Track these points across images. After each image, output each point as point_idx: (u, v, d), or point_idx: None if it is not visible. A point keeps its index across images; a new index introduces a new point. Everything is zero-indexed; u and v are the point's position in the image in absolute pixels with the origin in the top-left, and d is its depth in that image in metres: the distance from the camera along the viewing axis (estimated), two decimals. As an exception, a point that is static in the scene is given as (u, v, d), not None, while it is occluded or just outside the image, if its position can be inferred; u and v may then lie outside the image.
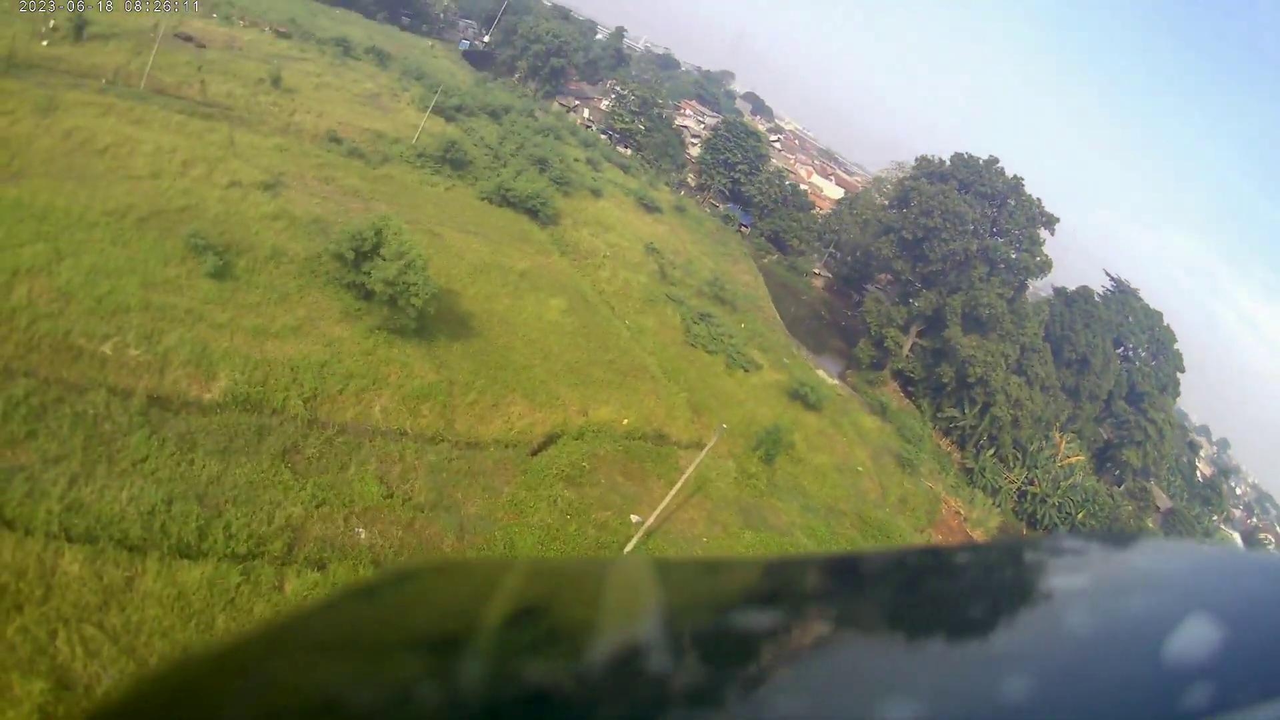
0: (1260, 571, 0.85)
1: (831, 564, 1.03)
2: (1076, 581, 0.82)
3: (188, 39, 63.30)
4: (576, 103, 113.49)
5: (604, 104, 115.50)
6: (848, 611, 0.86)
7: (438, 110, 69.58)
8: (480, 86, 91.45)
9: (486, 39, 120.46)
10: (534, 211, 60.68)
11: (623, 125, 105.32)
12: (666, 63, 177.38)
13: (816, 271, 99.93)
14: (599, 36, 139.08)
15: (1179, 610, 0.70)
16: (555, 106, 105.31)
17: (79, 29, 56.60)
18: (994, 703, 0.62)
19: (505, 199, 59.87)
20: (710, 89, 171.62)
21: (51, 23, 56.52)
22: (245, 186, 44.47)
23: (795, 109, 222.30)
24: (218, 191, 42.82)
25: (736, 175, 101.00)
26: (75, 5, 56.59)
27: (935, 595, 0.89)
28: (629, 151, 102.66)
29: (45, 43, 54.48)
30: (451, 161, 61.07)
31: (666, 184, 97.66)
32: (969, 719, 0.61)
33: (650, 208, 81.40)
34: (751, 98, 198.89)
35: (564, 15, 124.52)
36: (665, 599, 0.83)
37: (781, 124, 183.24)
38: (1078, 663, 0.67)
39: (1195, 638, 0.66)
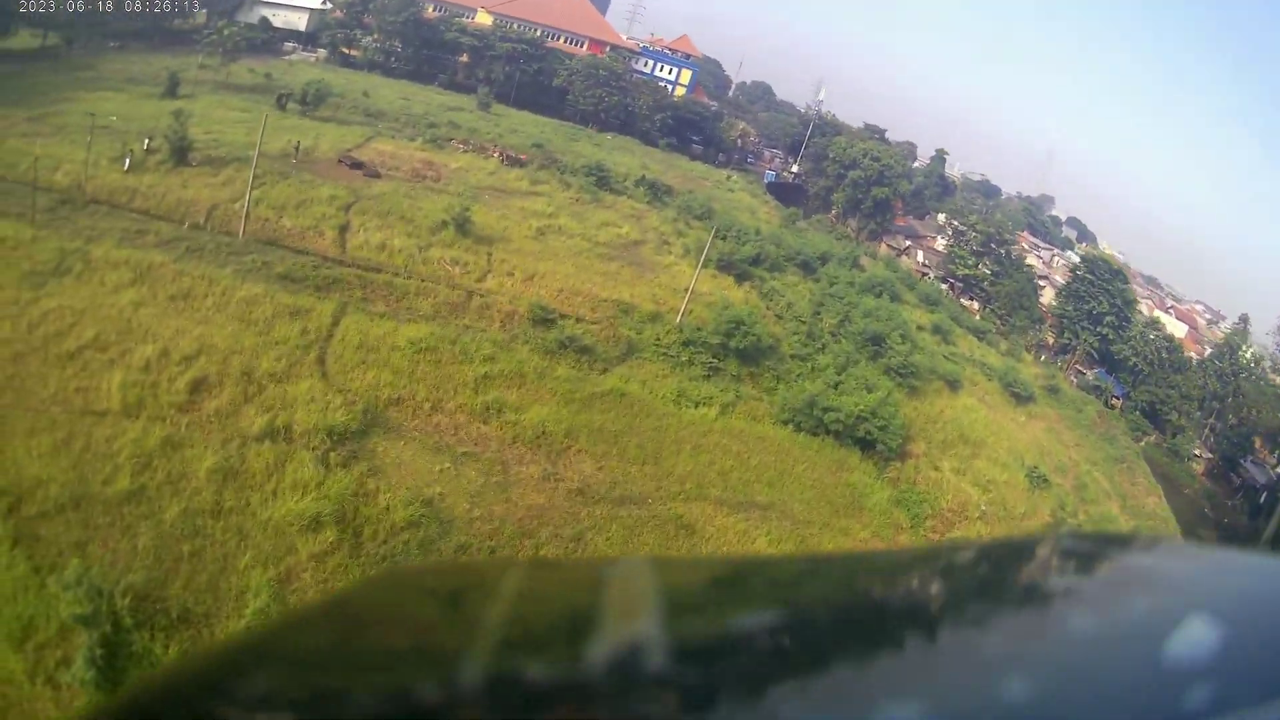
0: (1260, 571, 0.86)
1: (832, 564, 1.03)
2: (1076, 581, 0.84)
3: (356, 166, 43.32)
4: (908, 243, 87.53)
5: (938, 243, 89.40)
6: (848, 611, 0.88)
7: (723, 265, 45.44)
8: (789, 227, 67.49)
9: (794, 169, 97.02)
10: (868, 442, 34.75)
11: (966, 271, 78.40)
12: (987, 190, 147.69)
13: (1196, 453, 70.63)
14: (915, 164, 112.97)
15: (1179, 610, 0.70)
16: (882, 250, 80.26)
17: (180, 152, 37.67)
18: (994, 703, 0.61)
19: (821, 423, 34.16)
20: (1037, 217, 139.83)
21: (147, 143, 38.30)
22: (296, 438, 21.59)
23: (1112, 233, 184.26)
24: (217, 458, 20.01)
25: (1104, 331, 72.55)
26: (179, 123, 37.81)
27: (935, 595, 0.90)
28: (975, 305, 76.40)
29: (126, 169, 36.16)
30: (739, 353, 36.12)
31: (1027, 349, 71.00)
32: (969, 719, 0.61)
33: (1020, 396, 54.10)
34: (1075, 224, 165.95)
35: (879, 135, 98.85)
36: (665, 599, 0.83)
37: (1106, 252, 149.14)
38: (1078, 663, 0.66)
39: (1195, 638, 0.66)
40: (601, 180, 55.64)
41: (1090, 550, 0.90)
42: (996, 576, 0.91)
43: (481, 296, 34.07)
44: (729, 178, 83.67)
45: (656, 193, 59.51)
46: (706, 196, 63.45)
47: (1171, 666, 0.64)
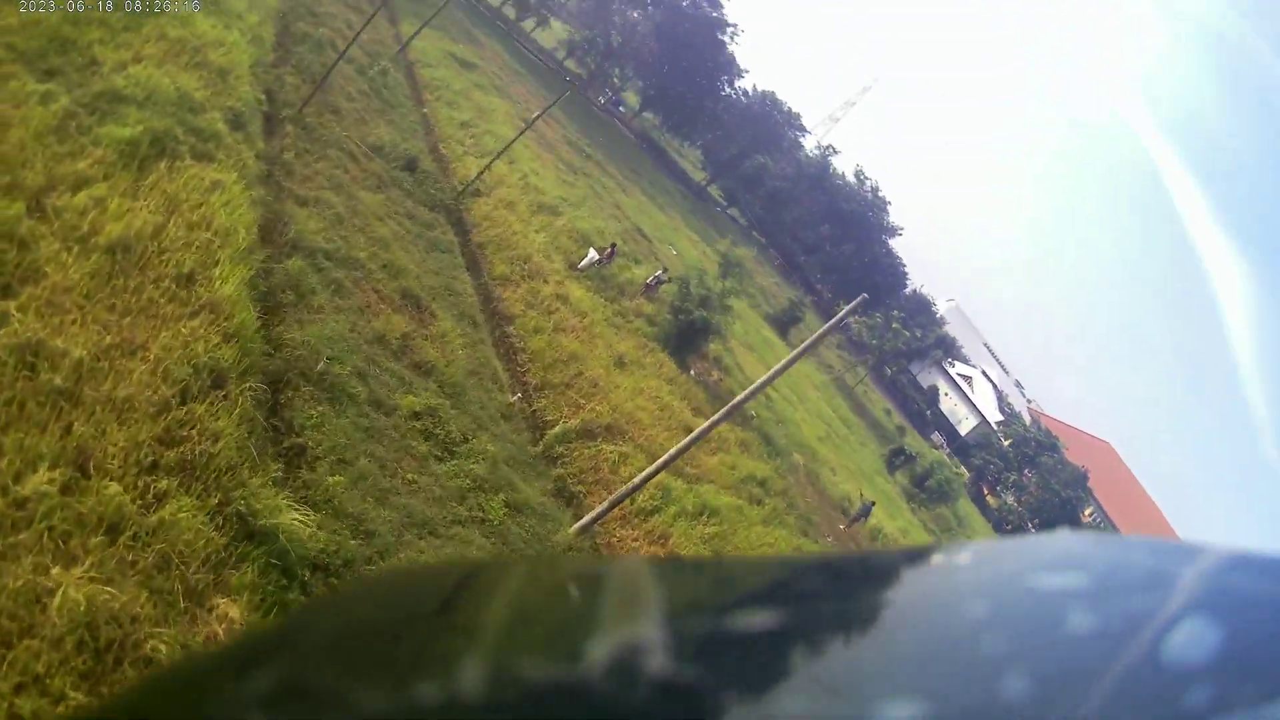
0: (1260, 571, 0.81)
1: (831, 564, 1.03)
2: (1076, 581, 0.79)
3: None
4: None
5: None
6: (848, 611, 0.84)
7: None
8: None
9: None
10: None
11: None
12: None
13: None
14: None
15: (1179, 610, 0.68)
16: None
17: (690, 327, 21.01)
18: (994, 703, 0.59)
19: None
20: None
21: (662, 275, 24.54)
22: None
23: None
24: None
25: None
26: (729, 279, 21.48)
27: (936, 595, 0.87)
28: None
29: (579, 265, 21.72)
30: None
31: None
32: (969, 719, 0.59)
33: None
34: None
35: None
36: (665, 599, 0.80)
37: None
38: (1077, 663, 0.64)
39: (1195, 638, 0.64)
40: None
41: (1089, 549, 0.84)
42: (995, 575, 0.85)
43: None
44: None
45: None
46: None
47: (1171, 667, 0.61)
